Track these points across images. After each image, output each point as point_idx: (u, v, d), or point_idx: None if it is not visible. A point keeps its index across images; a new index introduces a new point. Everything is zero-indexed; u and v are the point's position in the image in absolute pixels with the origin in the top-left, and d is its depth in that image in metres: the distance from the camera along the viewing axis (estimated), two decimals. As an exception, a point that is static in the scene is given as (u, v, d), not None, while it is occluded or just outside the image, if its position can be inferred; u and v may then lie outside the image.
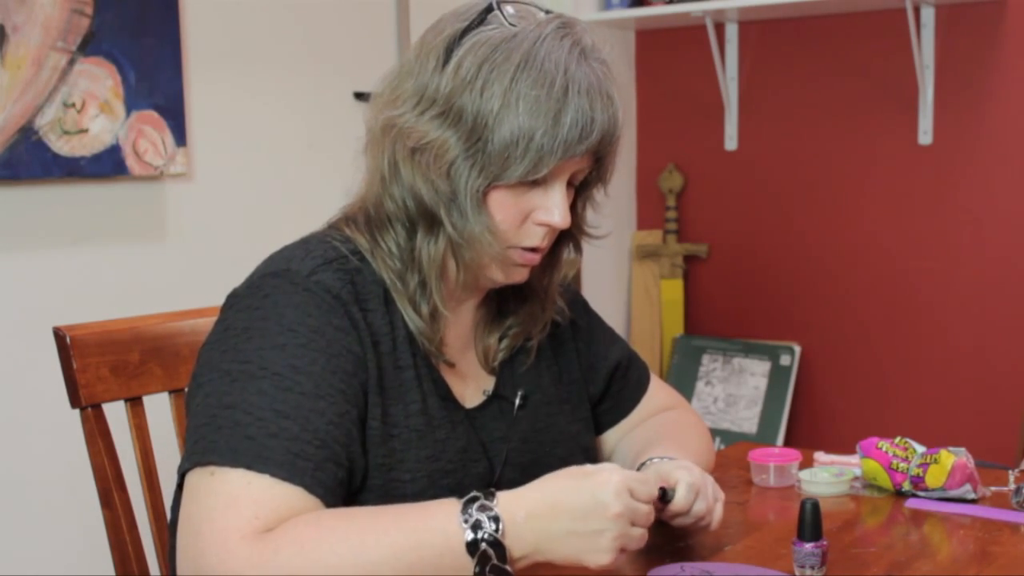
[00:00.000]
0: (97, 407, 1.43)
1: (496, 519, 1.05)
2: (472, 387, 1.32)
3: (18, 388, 2.20)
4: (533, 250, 1.25)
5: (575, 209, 1.29)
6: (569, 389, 1.42)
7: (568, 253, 1.35)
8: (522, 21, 1.21)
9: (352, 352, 1.18)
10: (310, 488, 1.09)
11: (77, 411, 1.43)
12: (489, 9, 1.22)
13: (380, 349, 1.21)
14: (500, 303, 1.36)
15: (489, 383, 1.34)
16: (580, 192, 1.30)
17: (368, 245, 1.25)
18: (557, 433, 1.37)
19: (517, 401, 1.34)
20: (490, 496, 1.07)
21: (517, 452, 1.32)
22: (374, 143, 1.25)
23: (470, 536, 1.05)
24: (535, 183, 1.21)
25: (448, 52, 1.20)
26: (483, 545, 1.05)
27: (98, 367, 1.43)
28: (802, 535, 1.19)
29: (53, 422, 2.10)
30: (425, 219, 1.22)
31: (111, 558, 1.42)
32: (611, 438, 1.50)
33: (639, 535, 1.10)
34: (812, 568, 1.18)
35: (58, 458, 2.19)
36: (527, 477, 1.31)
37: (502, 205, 1.21)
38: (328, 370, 1.15)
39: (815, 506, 1.19)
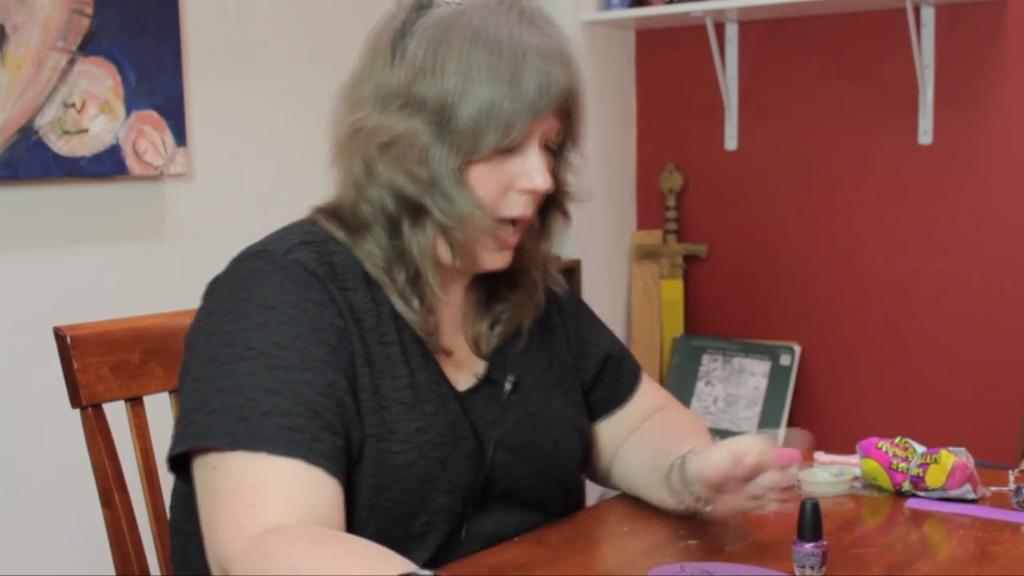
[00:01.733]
0: (97, 407, 1.43)
1: None
2: (465, 371, 1.33)
3: (18, 388, 2.20)
4: (515, 222, 1.25)
5: (554, 175, 1.30)
6: (561, 374, 1.43)
7: (557, 220, 1.35)
8: (464, 2, 1.23)
9: (334, 325, 1.19)
10: (308, 459, 1.10)
11: (77, 411, 1.43)
12: None
13: (363, 325, 1.22)
14: (490, 289, 1.36)
15: (480, 367, 1.34)
16: (555, 157, 1.30)
17: (349, 241, 1.26)
18: (551, 416, 1.37)
19: (507, 386, 1.34)
20: None
21: (511, 435, 1.33)
22: (342, 152, 1.27)
23: None
24: (510, 151, 1.22)
25: (396, 45, 1.22)
26: None
27: (98, 367, 1.43)
28: (802, 535, 1.19)
29: (53, 422, 2.10)
30: (410, 212, 1.23)
31: (111, 558, 1.42)
32: (606, 428, 1.50)
33: None
34: (812, 568, 1.18)
35: (58, 458, 2.19)
36: (520, 460, 1.32)
37: (482, 179, 1.22)
38: (312, 343, 1.16)
39: (815, 506, 1.19)
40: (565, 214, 1.35)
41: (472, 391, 1.32)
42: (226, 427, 1.11)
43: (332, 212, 1.30)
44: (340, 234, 1.26)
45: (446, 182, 1.20)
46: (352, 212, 1.26)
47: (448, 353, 1.30)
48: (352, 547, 1.07)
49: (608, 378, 1.49)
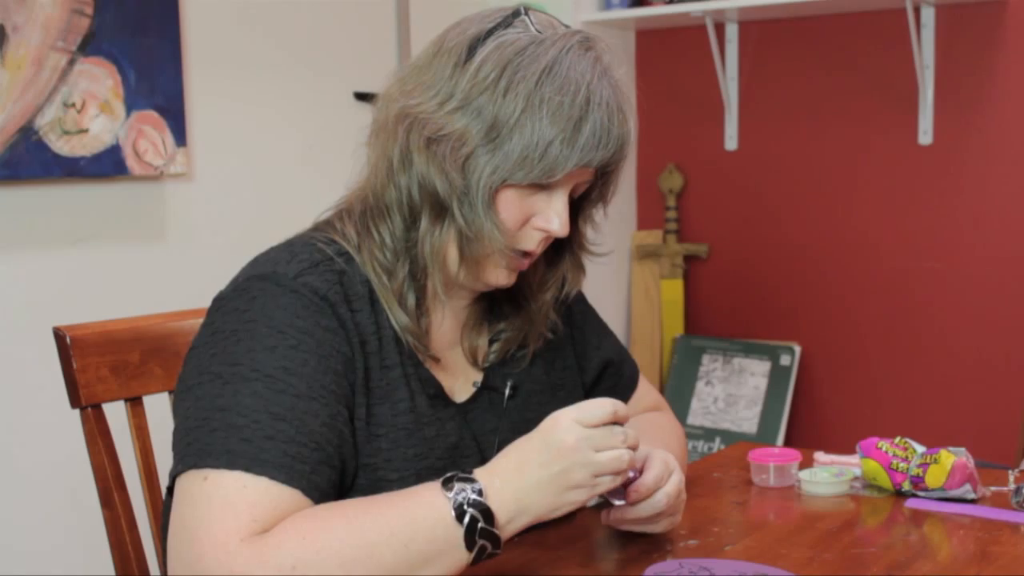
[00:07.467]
0: (97, 407, 1.43)
1: (474, 481, 1.09)
2: (461, 380, 1.33)
3: (18, 388, 2.20)
4: (526, 255, 1.26)
5: (575, 225, 1.30)
6: (563, 375, 1.43)
7: (567, 270, 1.36)
8: (548, 30, 1.23)
9: (341, 352, 1.18)
10: (306, 491, 1.10)
11: (77, 411, 1.43)
12: (516, 14, 1.23)
13: (367, 349, 1.21)
14: (491, 304, 1.36)
15: (478, 376, 1.35)
16: (580, 209, 1.31)
17: (356, 239, 1.25)
18: None
19: (507, 391, 1.34)
20: (467, 472, 1.11)
21: (508, 443, 1.32)
22: (383, 132, 1.25)
23: (456, 502, 1.08)
24: (542, 188, 1.22)
25: (471, 50, 1.21)
26: (469, 510, 1.07)
27: (98, 367, 1.43)
28: None
29: (53, 422, 2.10)
30: (433, 209, 1.22)
31: (111, 558, 1.42)
32: None
33: (610, 458, 1.12)
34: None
35: (58, 458, 2.19)
36: None
37: (509, 204, 1.21)
38: (319, 371, 1.15)
39: None
40: (579, 266, 1.37)
41: (471, 400, 1.32)
42: (226, 446, 1.09)
43: (352, 202, 1.29)
44: (351, 231, 1.25)
45: (476, 195, 1.20)
46: (377, 194, 1.25)
47: (437, 360, 1.29)
48: (366, 501, 1.10)
49: (606, 384, 1.50)
